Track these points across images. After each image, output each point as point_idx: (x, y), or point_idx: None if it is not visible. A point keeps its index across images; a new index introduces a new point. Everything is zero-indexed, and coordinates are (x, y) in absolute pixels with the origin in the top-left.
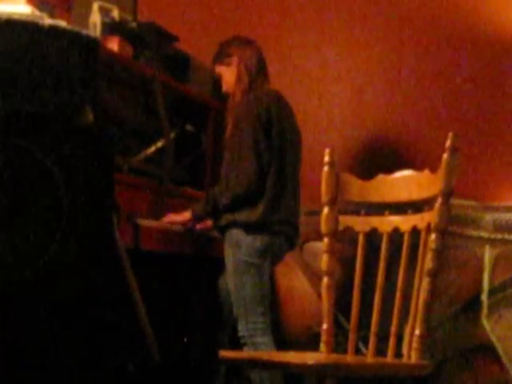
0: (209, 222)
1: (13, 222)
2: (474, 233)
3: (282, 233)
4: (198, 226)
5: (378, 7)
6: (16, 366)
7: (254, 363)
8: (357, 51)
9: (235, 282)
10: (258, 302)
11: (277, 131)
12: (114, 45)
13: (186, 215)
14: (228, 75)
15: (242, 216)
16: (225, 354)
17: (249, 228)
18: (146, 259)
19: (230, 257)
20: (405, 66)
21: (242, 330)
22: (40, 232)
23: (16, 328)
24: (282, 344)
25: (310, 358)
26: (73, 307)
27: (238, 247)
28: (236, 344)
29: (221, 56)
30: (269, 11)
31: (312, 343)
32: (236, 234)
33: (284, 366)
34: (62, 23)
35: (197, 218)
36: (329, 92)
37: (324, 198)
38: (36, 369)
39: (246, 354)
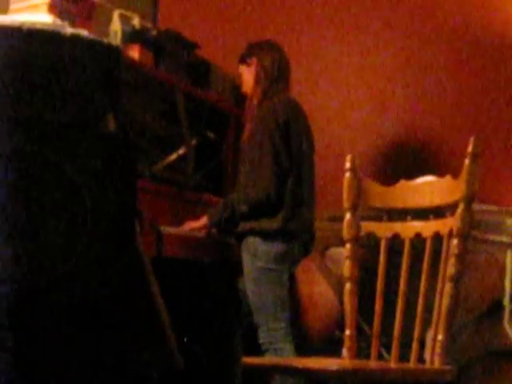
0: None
1: (39, 229)
2: (496, 238)
3: (299, 240)
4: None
5: (401, 14)
6: (40, 370)
7: (278, 369)
8: (377, 57)
9: (254, 289)
10: (279, 308)
11: (295, 141)
12: (134, 53)
13: (203, 221)
14: (247, 75)
15: (261, 224)
16: (248, 360)
17: (266, 236)
18: (169, 265)
19: (247, 264)
20: (426, 72)
21: (264, 336)
22: (64, 239)
23: (40, 333)
24: (304, 350)
25: (333, 363)
26: (96, 313)
27: (256, 255)
28: (251, 348)
29: (244, 56)
30: (291, 18)
31: (334, 349)
32: (253, 241)
33: (307, 372)
34: (84, 32)
35: (214, 225)
36: (350, 98)
37: (346, 203)
38: (60, 375)
39: (269, 359)
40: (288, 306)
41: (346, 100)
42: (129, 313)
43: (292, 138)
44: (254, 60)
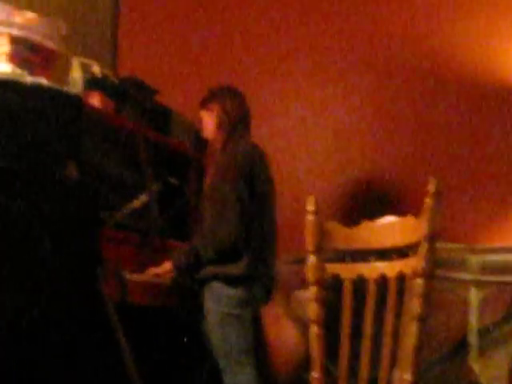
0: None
1: (5, 278)
2: (460, 275)
3: (262, 284)
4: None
5: (361, 52)
6: None
7: None
8: (337, 99)
9: (218, 335)
10: (244, 352)
11: (258, 185)
12: (95, 100)
13: (167, 266)
14: (208, 120)
15: (225, 269)
16: None
17: (230, 281)
18: (133, 312)
19: (211, 310)
20: (386, 113)
21: (229, 382)
22: (24, 291)
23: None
24: None
25: None
26: (63, 362)
27: (219, 300)
28: None
29: (205, 101)
30: (248, 62)
31: None
32: (216, 286)
33: None
34: (43, 81)
35: (178, 270)
36: (310, 139)
37: (309, 246)
38: None
39: None
40: (253, 351)
41: (306, 141)
42: (95, 359)
43: (255, 183)
44: (216, 105)
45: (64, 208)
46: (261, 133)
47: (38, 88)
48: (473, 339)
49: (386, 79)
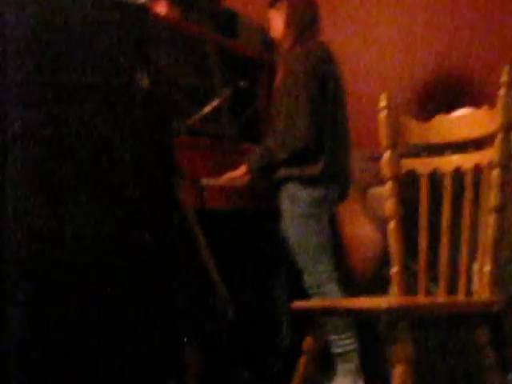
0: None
1: (74, 189)
2: None
3: (336, 183)
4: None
5: None
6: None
7: (327, 311)
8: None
9: (296, 234)
10: (321, 250)
11: (330, 86)
12: (162, 8)
13: (242, 169)
14: (276, 20)
15: (300, 170)
16: (297, 304)
17: (306, 182)
18: (212, 217)
19: (287, 210)
20: (461, 7)
21: (309, 280)
22: (101, 199)
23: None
24: (351, 290)
25: (382, 301)
26: (146, 269)
27: (296, 200)
28: (297, 294)
29: (273, 1)
30: None
31: (380, 288)
32: (292, 187)
33: (358, 312)
34: None
35: (253, 172)
36: (379, 36)
37: (384, 142)
38: (120, 321)
39: (317, 302)
40: (330, 249)
41: (375, 38)
42: (178, 267)
43: (326, 83)
44: (285, 4)
45: (137, 118)
46: (330, 31)
47: (104, 0)
48: None
49: None
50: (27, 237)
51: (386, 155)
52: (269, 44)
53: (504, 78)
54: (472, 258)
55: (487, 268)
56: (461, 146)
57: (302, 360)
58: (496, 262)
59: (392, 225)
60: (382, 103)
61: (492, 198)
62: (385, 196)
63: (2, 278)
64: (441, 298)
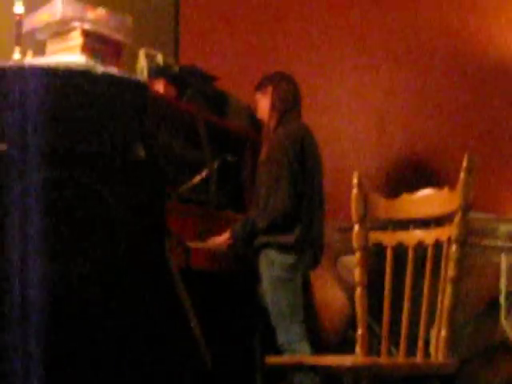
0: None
1: (76, 246)
2: (491, 242)
3: (310, 251)
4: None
5: (400, 39)
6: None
7: (297, 366)
8: (379, 84)
9: (272, 296)
10: (294, 311)
11: (308, 161)
12: (159, 87)
13: (226, 236)
14: (263, 102)
15: (277, 239)
16: (271, 359)
17: (282, 249)
18: (196, 276)
19: (265, 274)
20: (423, 92)
21: (281, 338)
22: (100, 256)
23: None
24: (320, 350)
25: (347, 360)
26: (134, 322)
27: (272, 265)
28: (269, 351)
29: (260, 85)
30: (299, 51)
31: (347, 349)
32: (270, 253)
33: (325, 368)
34: (113, 70)
35: (236, 239)
36: (354, 120)
37: (354, 216)
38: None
39: (289, 358)
40: (302, 310)
41: (351, 121)
42: (161, 320)
43: (306, 160)
44: (270, 88)
45: (135, 184)
46: (310, 114)
47: (108, 76)
48: (503, 300)
49: (423, 68)
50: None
51: (356, 228)
52: (254, 123)
53: (464, 164)
54: (430, 323)
55: (443, 333)
56: (423, 222)
57: None
58: (451, 327)
59: (358, 291)
60: (354, 181)
61: (450, 270)
62: (353, 264)
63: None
64: (401, 359)
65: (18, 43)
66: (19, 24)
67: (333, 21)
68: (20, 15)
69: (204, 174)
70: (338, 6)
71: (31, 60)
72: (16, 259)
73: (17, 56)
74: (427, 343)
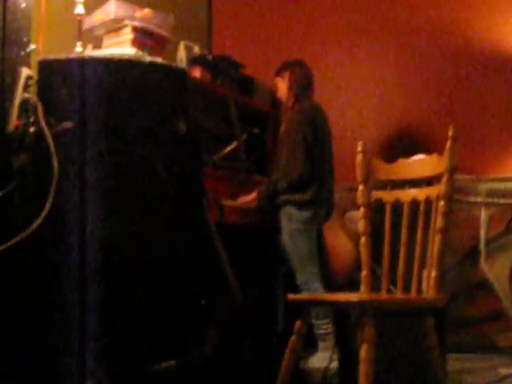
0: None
1: (130, 205)
2: (472, 199)
3: (323, 207)
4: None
5: (399, 36)
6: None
7: (313, 302)
8: (378, 66)
9: (291, 244)
10: (310, 257)
11: (320, 133)
12: (196, 73)
13: (253, 195)
14: (281, 85)
15: (296, 197)
16: (291, 296)
17: (300, 205)
18: (228, 229)
19: (285, 226)
20: (416, 76)
21: (300, 279)
22: (150, 212)
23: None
24: (331, 288)
25: (354, 296)
26: (180, 267)
27: (291, 219)
28: (288, 287)
29: (279, 70)
30: (312, 42)
31: (354, 287)
32: (290, 209)
33: (335, 303)
34: (159, 59)
35: (261, 198)
36: (360, 98)
37: (359, 178)
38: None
39: (306, 295)
40: (317, 256)
41: (356, 99)
42: (202, 264)
43: (317, 131)
44: (287, 73)
45: (177, 153)
46: (322, 94)
47: (154, 65)
48: (482, 247)
49: (417, 53)
50: (104, 239)
51: (360, 187)
52: (275, 102)
53: (450, 134)
54: (422, 266)
55: (434, 274)
56: (416, 182)
57: (293, 338)
58: (440, 269)
59: (363, 240)
60: (359, 148)
61: (438, 222)
62: (358, 218)
63: (85, 270)
64: (398, 295)
65: (79, 38)
66: (80, 23)
67: (338, 18)
68: (81, 15)
69: (234, 144)
70: (344, 5)
71: (90, 52)
72: (77, 215)
73: (79, 49)
74: (420, 282)
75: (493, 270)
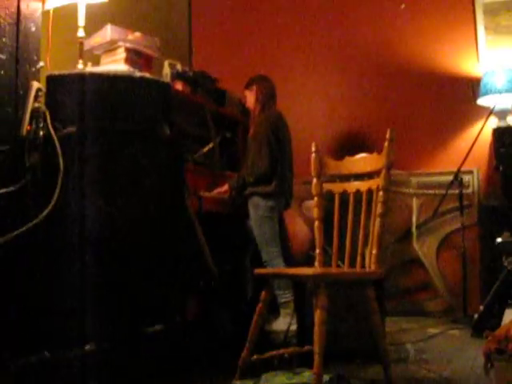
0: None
1: (125, 196)
2: (406, 190)
3: (283, 197)
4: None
5: (344, 55)
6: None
7: (277, 276)
8: (331, 82)
9: (257, 229)
10: (273, 239)
11: (281, 136)
12: (179, 86)
13: (226, 187)
14: (250, 97)
15: (261, 188)
16: (257, 270)
17: (265, 196)
18: (206, 216)
19: (252, 214)
20: (359, 89)
21: (264, 256)
22: (140, 203)
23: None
24: (290, 264)
25: (309, 270)
26: (167, 246)
27: (258, 207)
28: (255, 264)
29: (247, 84)
30: (275, 62)
31: (309, 263)
32: (256, 199)
33: (294, 276)
34: (147, 75)
35: (231, 189)
36: (314, 107)
37: (313, 172)
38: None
39: (269, 270)
40: (278, 238)
41: (311, 108)
42: (183, 245)
43: (279, 135)
44: (255, 87)
45: (163, 152)
46: (283, 103)
47: (143, 79)
48: (414, 230)
49: (359, 70)
50: (101, 222)
51: (314, 181)
52: (244, 110)
53: (387, 136)
54: (365, 245)
55: (374, 251)
56: (360, 176)
57: (260, 306)
58: (380, 247)
59: (316, 224)
60: (313, 148)
61: (378, 209)
62: (313, 206)
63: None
64: (345, 269)
65: (80, 57)
66: (81, 44)
67: (295, 43)
68: (82, 38)
69: (210, 145)
70: (300, 33)
71: (90, 69)
72: (79, 204)
73: (80, 66)
74: (363, 258)
75: (422, 248)
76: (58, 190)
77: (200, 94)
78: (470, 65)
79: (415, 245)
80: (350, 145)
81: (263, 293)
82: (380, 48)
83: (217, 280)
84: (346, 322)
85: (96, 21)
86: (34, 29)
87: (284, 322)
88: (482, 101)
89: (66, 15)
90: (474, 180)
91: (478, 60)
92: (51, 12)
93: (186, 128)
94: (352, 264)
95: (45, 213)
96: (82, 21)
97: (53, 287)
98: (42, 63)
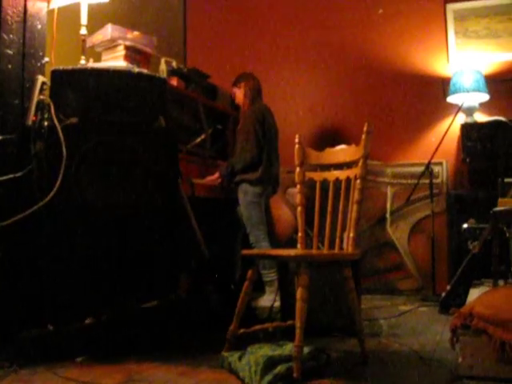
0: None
1: (123, 183)
2: (381, 179)
3: (270, 184)
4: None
5: (324, 56)
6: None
7: (261, 256)
8: (313, 79)
9: (245, 213)
10: (260, 223)
11: (267, 127)
12: (174, 82)
13: (216, 175)
14: (239, 94)
15: (249, 176)
16: (245, 251)
17: (252, 182)
18: (198, 201)
19: (241, 199)
20: (339, 86)
21: (251, 238)
22: (136, 190)
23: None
24: (275, 246)
25: (292, 252)
26: (162, 229)
27: (246, 193)
28: (244, 245)
29: (236, 82)
30: (262, 61)
31: (292, 245)
32: (245, 186)
33: (278, 257)
34: (145, 71)
35: (222, 177)
36: (298, 102)
37: (296, 162)
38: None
39: (256, 251)
40: (265, 222)
41: (295, 103)
42: (177, 228)
43: (266, 126)
44: (243, 84)
45: (158, 142)
46: (270, 98)
47: (141, 75)
48: (388, 216)
49: (340, 69)
50: (102, 205)
51: (297, 169)
52: (234, 105)
53: (364, 129)
54: (343, 229)
55: (351, 235)
56: (339, 166)
57: (246, 284)
58: (356, 231)
59: (299, 209)
60: (296, 140)
61: (355, 196)
62: (296, 193)
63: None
64: (325, 251)
65: (83, 54)
66: (84, 42)
67: (283, 42)
68: (84, 36)
69: (202, 136)
70: (286, 33)
71: (92, 64)
72: (81, 190)
73: (82, 62)
74: (342, 241)
75: (395, 233)
76: (61, 176)
77: (193, 89)
78: (440, 65)
79: (389, 229)
80: (330, 137)
81: (249, 272)
82: (359, 49)
83: (208, 260)
84: (325, 299)
85: (97, 20)
86: (39, 26)
87: (269, 299)
88: (451, 99)
89: (69, 14)
90: (443, 171)
91: (448, 61)
92: (56, 11)
93: (180, 120)
94: (331, 246)
95: (49, 197)
96: (84, 19)
97: (55, 265)
98: (46, 59)
